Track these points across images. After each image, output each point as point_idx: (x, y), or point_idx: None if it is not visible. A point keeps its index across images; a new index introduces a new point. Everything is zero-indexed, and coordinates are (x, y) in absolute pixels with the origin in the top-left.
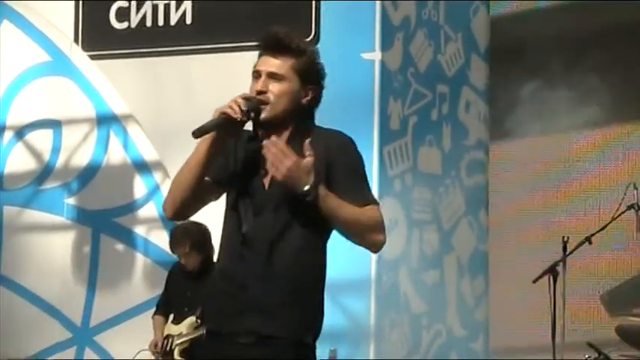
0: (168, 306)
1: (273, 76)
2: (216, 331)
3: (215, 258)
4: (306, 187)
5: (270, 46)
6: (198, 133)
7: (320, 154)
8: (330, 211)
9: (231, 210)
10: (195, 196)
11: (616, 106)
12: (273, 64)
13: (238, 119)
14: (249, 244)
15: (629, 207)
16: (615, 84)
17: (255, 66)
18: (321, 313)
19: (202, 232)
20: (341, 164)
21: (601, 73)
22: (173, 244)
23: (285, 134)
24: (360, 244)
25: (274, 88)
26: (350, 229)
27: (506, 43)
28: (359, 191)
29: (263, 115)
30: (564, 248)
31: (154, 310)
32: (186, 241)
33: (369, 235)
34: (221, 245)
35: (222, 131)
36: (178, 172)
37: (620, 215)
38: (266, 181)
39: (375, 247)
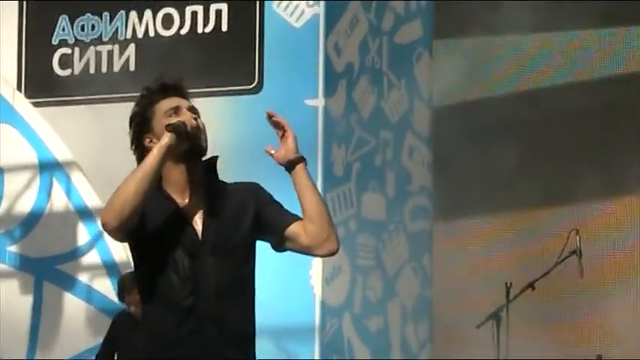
0: (110, 358)
1: (193, 111)
2: None
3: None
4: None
5: (175, 89)
6: (171, 127)
7: (245, 205)
8: (309, 181)
9: (159, 262)
10: (141, 208)
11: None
12: (187, 102)
13: (190, 132)
14: (194, 291)
15: (572, 252)
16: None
17: (165, 107)
18: None
19: None
20: (265, 203)
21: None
22: (122, 292)
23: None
24: (319, 236)
25: (200, 122)
26: (320, 206)
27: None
28: (288, 212)
29: (203, 144)
30: (507, 294)
31: None
32: (136, 288)
33: (331, 225)
34: (152, 297)
35: (175, 140)
36: (124, 184)
37: (562, 261)
38: (197, 229)
39: (332, 245)
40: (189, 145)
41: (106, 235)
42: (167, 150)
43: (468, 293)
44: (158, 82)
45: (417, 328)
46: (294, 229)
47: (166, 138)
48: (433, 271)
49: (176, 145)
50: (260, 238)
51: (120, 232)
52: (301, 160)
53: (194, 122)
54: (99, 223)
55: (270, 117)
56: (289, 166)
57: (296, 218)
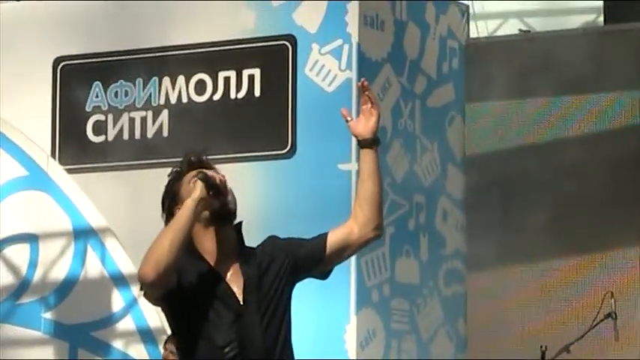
0: None
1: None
2: None
3: None
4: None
5: (200, 161)
6: (201, 175)
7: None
8: (377, 166)
9: (201, 325)
10: (177, 260)
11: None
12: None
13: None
14: (241, 349)
15: (607, 316)
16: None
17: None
18: None
19: None
20: (292, 246)
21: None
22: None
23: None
24: (373, 220)
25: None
26: (380, 193)
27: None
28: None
29: (232, 206)
30: (542, 357)
31: None
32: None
33: (382, 212)
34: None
35: (205, 193)
36: (158, 238)
37: (597, 324)
38: (237, 292)
39: (379, 230)
40: (219, 202)
41: (140, 302)
42: (198, 202)
43: (503, 357)
44: (184, 158)
45: None
46: (338, 236)
47: (197, 191)
48: (468, 335)
49: (207, 201)
50: (304, 276)
51: (157, 287)
52: (377, 142)
53: (222, 178)
54: (137, 278)
55: (363, 88)
56: (364, 143)
57: (325, 234)
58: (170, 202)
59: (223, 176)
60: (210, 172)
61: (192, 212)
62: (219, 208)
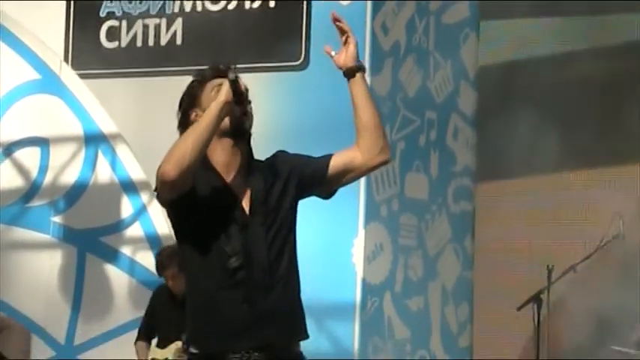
0: (151, 331)
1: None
2: (210, 352)
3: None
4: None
5: (227, 72)
6: (233, 77)
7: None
8: (366, 90)
9: (206, 234)
10: (199, 162)
11: (605, 137)
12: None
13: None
14: (247, 262)
15: (615, 236)
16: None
17: (215, 83)
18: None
19: None
20: (298, 162)
21: (593, 108)
22: (160, 267)
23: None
24: (375, 146)
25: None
26: (377, 116)
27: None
28: (320, 158)
29: (249, 117)
30: (549, 276)
31: (137, 330)
32: (174, 263)
33: (385, 135)
34: (200, 269)
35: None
36: (182, 138)
37: (605, 244)
38: (244, 203)
39: (386, 154)
40: (241, 112)
41: (149, 208)
42: (224, 106)
43: (509, 275)
44: (210, 65)
45: (457, 309)
46: (341, 159)
47: (223, 94)
48: (475, 252)
49: (231, 106)
50: (308, 194)
51: (175, 187)
52: (361, 68)
53: (245, 90)
54: (157, 175)
55: (334, 20)
56: (348, 73)
57: (330, 155)
58: (188, 104)
59: (246, 88)
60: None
61: (217, 115)
62: (239, 117)
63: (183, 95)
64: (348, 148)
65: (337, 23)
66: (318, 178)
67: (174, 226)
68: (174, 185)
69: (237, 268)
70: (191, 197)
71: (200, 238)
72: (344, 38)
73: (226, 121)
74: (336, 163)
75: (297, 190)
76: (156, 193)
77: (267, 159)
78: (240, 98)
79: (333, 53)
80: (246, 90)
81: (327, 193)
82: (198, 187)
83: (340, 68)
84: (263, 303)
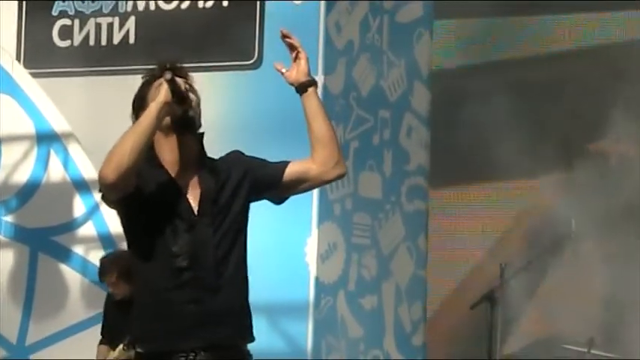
0: (109, 334)
1: (190, 85)
2: (157, 351)
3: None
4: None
5: (173, 69)
6: (168, 76)
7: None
8: (320, 104)
9: (154, 233)
10: (138, 163)
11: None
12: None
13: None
14: (194, 262)
15: (566, 235)
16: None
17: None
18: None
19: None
20: (253, 165)
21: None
22: (101, 273)
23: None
24: (330, 159)
25: (195, 96)
26: (331, 130)
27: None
28: (276, 163)
29: (195, 116)
30: (502, 274)
31: (90, 330)
32: (114, 269)
33: (339, 149)
34: (147, 268)
35: (170, 98)
36: (121, 139)
37: (557, 243)
38: (193, 203)
39: (342, 168)
40: (183, 110)
41: (102, 207)
42: (163, 106)
43: (462, 274)
44: (156, 63)
45: (410, 307)
46: (296, 168)
47: (162, 94)
48: (428, 251)
49: (170, 106)
50: (259, 197)
51: (117, 189)
52: (312, 83)
53: (187, 86)
54: (98, 179)
55: (284, 37)
56: (300, 88)
57: (287, 162)
58: (138, 105)
59: (191, 85)
60: (177, 79)
61: (155, 116)
62: (182, 115)
63: (135, 96)
64: (304, 159)
65: (286, 40)
66: (273, 183)
67: (123, 225)
68: (115, 187)
69: (183, 268)
70: (138, 196)
71: (147, 237)
72: (294, 54)
73: (168, 119)
74: (291, 170)
75: (249, 192)
76: (101, 195)
77: (221, 157)
78: (180, 97)
79: (283, 70)
80: (191, 88)
81: (278, 199)
82: (146, 186)
83: (292, 84)
84: (210, 303)
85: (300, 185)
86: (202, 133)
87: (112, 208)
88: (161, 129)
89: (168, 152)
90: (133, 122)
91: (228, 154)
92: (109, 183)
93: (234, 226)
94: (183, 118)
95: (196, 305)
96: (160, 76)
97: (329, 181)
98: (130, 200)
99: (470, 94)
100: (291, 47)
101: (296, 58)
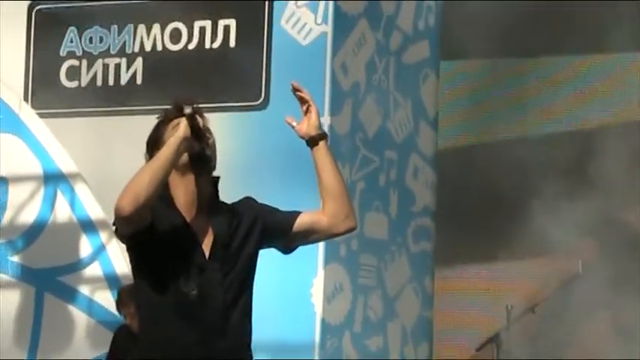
0: None
1: (205, 127)
2: None
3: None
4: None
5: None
6: (189, 114)
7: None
8: (330, 158)
9: (164, 272)
10: (155, 197)
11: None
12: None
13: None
14: (202, 303)
15: (574, 276)
16: None
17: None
18: None
19: None
20: (264, 212)
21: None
22: (120, 304)
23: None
24: (340, 213)
25: (212, 139)
26: (341, 183)
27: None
28: (287, 212)
29: (211, 156)
30: (508, 316)
31: None
32: (133, 300)
33: (350, 203)
34: (154, 306)
35: (189, 134)
36: (139, 172)
37: (563, 284)
38: (204, 246)
39: (352, 222)
40: (200, 148)
41: (108, 248)
42: (182, 141)
43: (468, 316)
44: (172, 103)
45: (416, 349)
46: (306, 219)
47: (181, 129)
48: (434, 292)
49: (189, 142)
50: (268, 245)
51: (131, 222)
52: (323, 136)
53: (204, 127)
54: (114, 211)
55: (295, 90)
56: (311, 141)
57: (298, 212)
58: (152, 145)
59: (207, 126)
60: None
61: (174, 150)
62: (199, 153)
63: (149, 136)
64: (315, 210)
65: (297, 93)
66: (282, 232)
67: (131, 261)
68: (130, 220)
69: (191, 309)
70: (150, 234)
71: (157, 276)
72: (305, 107)
73: (185, 157)
74: (301, 221)
75: (259, 239)
76: (114, 228)
77: (233, 203)
78: (198, 134)
79: (294, 123)
80: (207, 128)
81: (287, 248)
82: (159, 225)
83: (302, 137)
84: (214, 346)
85: (309, 236)
86: (218, 177)
87: (124, 242)
88: (177, 168)
89: (182, 193)
90: (147, 162)
91: (240, 200)
92: (125, 215)
93: (244, 271)
94: (200, 156)
95: (201, 347)
96: (176, 117)
97: (339, 234)
98: (143, 236)
99: (476, 134)
100: (302, 100)
101: (307, 111)
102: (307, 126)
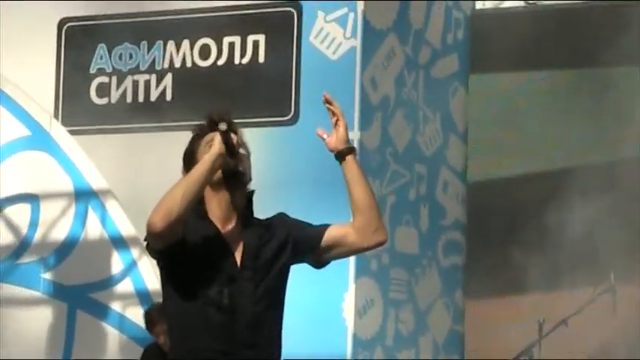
0: None
1: (240, 140)
2: None
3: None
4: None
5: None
6: (224, 127)
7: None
8: (359, 171)
9: (195, 283)
10: (187, 214)
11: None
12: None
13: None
14: (231, 314)
15: (606, 290)
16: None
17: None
18: None
19: None
20: (295, 227)
21: None
22: (150, 323)
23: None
24: (369, 227)
25: (246, 151)
26: (370, 197)
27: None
28: (318, 226)
29: (246, 171)
30: (540, 330)
31: None
32: (163, 318)
33: (379, 216)
34: (183, 318)
35: (224, 151)
36: (173, 188)
37: (596, 298)
38: (237, 256)
39: (382, 235)
40: (234, 164)
41: (139, 264)
42: (217, 158)
43: (499, 329)
44: (206, 118)
45: None
46: (336, 232)
47: (216, 146)
48: (465, 306)
49: (224, 159)
50: (299, 260)
51: (163, 237)
52: (351, 150)
53: (238, 141)
54: (146, 226)
55: (326, 102)
56: (339, 156)
57: (328, 225)
58: (187, 160)
59: (242, 140)
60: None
61: (209, 167)
62: (232, 169)
63: (185, 150)
64: (345, 223)
65: (327, 105)
66: (312, 246)
67: (162, 274)
68: (162, 236)
69: (221, 319)
70: (182, 247)
71: (187, 287)
72: (334, 120)
73: (219, 173)
74: (330, 235)
75: (291, 254)
76: (145, 243)
77: (266, 218)
78: (232, 151)
79: (325, 136)
80: (242, 142)
81: (318, 263)
82: (191, 236)
83: (332, 151)
84: (244, 358)
85: (338, 250)
86: (253, 191)
87: (155, 257)
88: (211, 184)
89: (216, 206)
90: (183, 176)
91: (274, 216)
92: (157, 232)
93: (275, 284)
94: (234, 173)
95: (227, 358)
96: (210, 131)
97: (369, 248)
98: (174, 250)
99: (507, 146)
100: (332, 113)
101: (336, 124)
102: (336, 140)
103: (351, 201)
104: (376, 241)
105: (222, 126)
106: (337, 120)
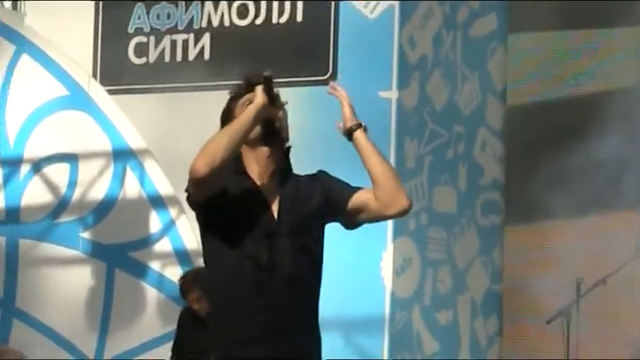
0: (181, 351)
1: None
2: (229, 358)
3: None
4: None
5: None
6: (268, 78)
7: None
8: (370, 145)
9: (233, 236)
10: (229, 162)
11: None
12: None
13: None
14: (270, 269)
15: None
16: None
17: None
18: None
19: None
20: (330, 185)
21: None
22: (184, 291)
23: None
24: (388, 197)
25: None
26: (384, 167)
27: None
28: (351, 187)
29: (278, 125)
30: (578, 289)
31: (167, 345)
32: (196, 285)
33: (398, 184)
34: (222, 271)
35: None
36: (217, 135)
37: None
38: (274, 211)
39: (402, 203)
40: (272, 121)
41: (178, 223)
42: (261, 108)
43: (538, 289)
44: (243, 78)
45: (486, 322)
46: (360, 197)
47: (259, 97)
48: (503, 265)
49: (267, 111)
50: (331, 219)
51: (205, 184)
52: (359, 126)
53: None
54: (189, 172)
55: (331, 88)
56: (348, 133)
57: (358, 188)
58: (225, 120)
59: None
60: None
61: (253, 117)
62: (270, 126)
63: (223, 110)
64: (370, 188)
65: (332, 91)
66: (339, 208)
67: (201, 230)
68: (204, 182)
69: (259, 276)
70: (221, 199)
71: (226, 242)
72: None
73: (257, 129)
74: (356, 199)
75: (323, 210)
76: (187, 195)
77: (305, 175)
78: (274, 101)
79: (340, 125)
80: (279, 99)
81: (348, 224)
82: (230, 190)
83: (343, 133)
84: (279, 314)
85: (363, 214)
86: (289, 147)
87: (195, 210)
88: (249, 142)
89: (253, 163)
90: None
91: (314, 174)
92: (200, 176)
93: (313, 242)
94: (272, 130)
95: (265, 314)
96: (247, 92)
97: (391, 217)
98: (214, 202)
99: (545, 107)
100: (338, 98)
101: (342, 108)
102: (343, 121)
103: (369, 174)
104: (397, 209)
105: (267, 72)
106: (341, 102)
